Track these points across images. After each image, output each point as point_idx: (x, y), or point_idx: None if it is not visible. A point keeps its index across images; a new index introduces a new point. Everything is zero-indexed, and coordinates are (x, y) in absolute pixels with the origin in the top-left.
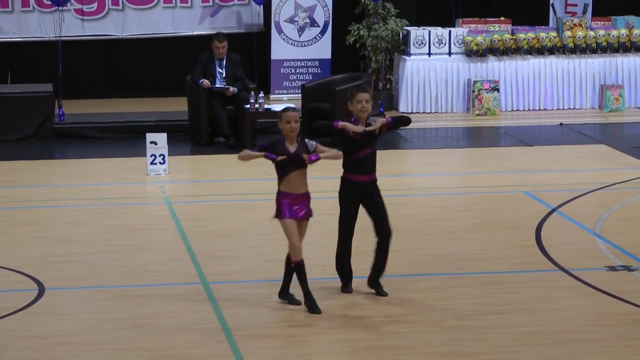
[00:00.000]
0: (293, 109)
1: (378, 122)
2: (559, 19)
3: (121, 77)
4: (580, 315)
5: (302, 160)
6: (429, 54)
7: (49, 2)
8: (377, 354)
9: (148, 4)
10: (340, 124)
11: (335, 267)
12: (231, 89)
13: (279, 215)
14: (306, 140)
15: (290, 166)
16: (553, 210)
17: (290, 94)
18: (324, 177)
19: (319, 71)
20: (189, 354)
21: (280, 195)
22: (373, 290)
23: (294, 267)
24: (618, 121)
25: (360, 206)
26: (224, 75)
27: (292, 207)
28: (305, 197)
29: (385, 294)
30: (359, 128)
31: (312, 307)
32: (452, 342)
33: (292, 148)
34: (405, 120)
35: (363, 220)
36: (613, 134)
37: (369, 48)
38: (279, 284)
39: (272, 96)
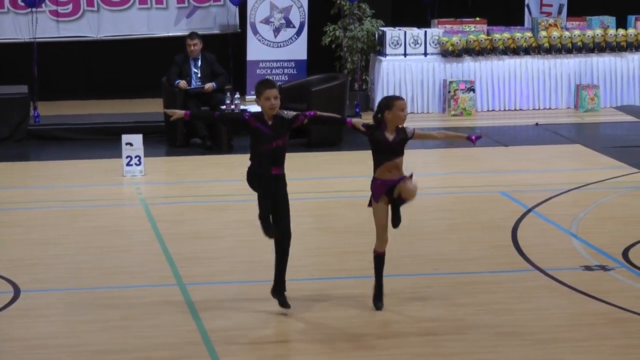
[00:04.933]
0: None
1: (291, 114)
2: (534, 19)
3: (97, 79)
4: (556, 315)
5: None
6: (405, 54)
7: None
8: (354, 355)
9: (123, 5)
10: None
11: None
12: (207, 85)
13: None
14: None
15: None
16: (529, 211)
17: None
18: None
19: (295, 72)
20: (165, 355)
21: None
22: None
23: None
24: (593, 121)
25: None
26: (199, 75)
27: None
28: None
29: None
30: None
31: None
32: (429, 342)
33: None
34: (332, 120)
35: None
36: (588, 134)
37: (345, 49)
38: (255, 285)
39: (247, 97)
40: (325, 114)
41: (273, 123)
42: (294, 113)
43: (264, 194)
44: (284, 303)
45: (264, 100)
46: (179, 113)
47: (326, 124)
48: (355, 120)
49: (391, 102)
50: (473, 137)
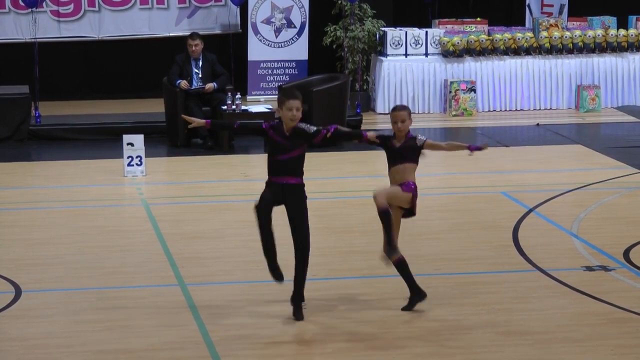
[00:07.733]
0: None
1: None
2: (535, 19)
3: (98, 79)
4: (557, 316)
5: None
6: (406, 54)
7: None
8: (354, 355)
9: (124, 5)
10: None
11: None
12: (208, 85)
13: None
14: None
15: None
16: (530, 211)
17: (267, 95)
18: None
19: (296, 72)
20: (167, 355)
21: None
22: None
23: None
24: (594, 121)
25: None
26: (200, 75)
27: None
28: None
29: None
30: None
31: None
32: (430, 342)
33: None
34: (350, 135)
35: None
36: (589, 134)
37: (346, 49)
38: (256, 285)
39: (249, 97)
40: (344, 128)
41: (291, 134)
42: (315, 128)
43: (261, 197)
44: (296, 314)
45: (285, 110)
46: (199, 121)
47: (345, 139)
48: (369, 133)
49: (391, 113)
50: (472, 147)
